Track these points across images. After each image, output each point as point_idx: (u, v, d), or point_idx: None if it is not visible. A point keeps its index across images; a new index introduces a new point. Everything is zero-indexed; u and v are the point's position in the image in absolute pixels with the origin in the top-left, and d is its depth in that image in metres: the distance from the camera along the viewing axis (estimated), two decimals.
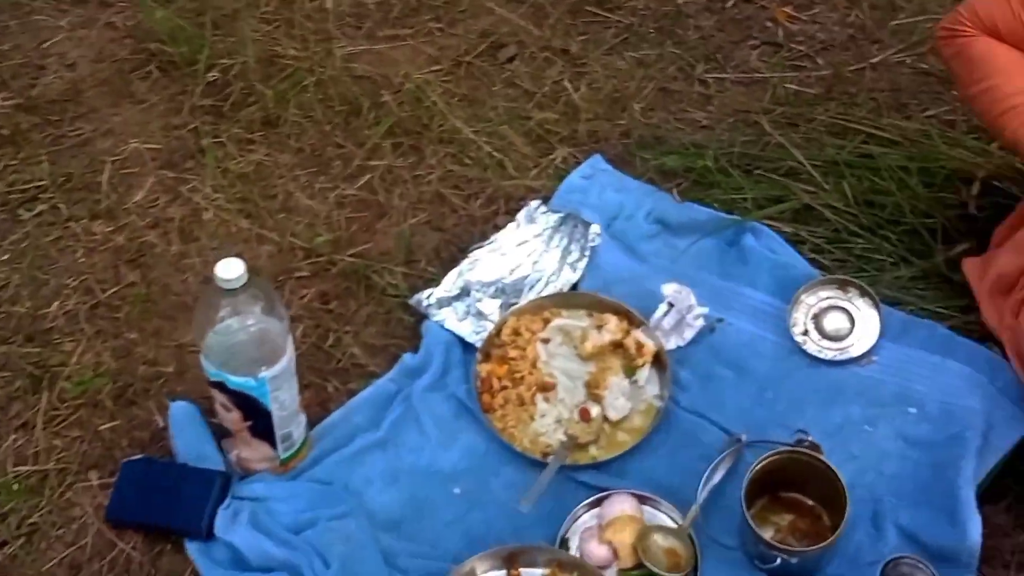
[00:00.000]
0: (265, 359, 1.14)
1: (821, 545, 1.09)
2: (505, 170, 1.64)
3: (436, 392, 1.34)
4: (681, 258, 1.43)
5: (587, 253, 1.46)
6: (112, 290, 1.49)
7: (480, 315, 1.42)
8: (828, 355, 1.30)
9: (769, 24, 1.84)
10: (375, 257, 1.54)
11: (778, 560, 1.10)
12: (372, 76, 1.80)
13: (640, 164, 1.61)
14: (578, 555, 1.19)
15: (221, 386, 1.16)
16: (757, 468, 1.15)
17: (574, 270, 1.45)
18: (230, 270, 1.08)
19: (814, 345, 1.32)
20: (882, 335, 1.29)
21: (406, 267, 1.52)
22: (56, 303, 1.47)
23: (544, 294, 1.43)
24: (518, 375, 1.35)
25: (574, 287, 1.44)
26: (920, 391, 1.25)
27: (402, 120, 1.71)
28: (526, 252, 1.49)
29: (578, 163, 1.62)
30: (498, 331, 1.38)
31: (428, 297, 1.44)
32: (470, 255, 1.48)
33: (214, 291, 1.10)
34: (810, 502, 1.19)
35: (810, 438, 1.17)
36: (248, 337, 1.12)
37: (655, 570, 1.16)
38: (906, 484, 1.19)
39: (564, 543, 1.20)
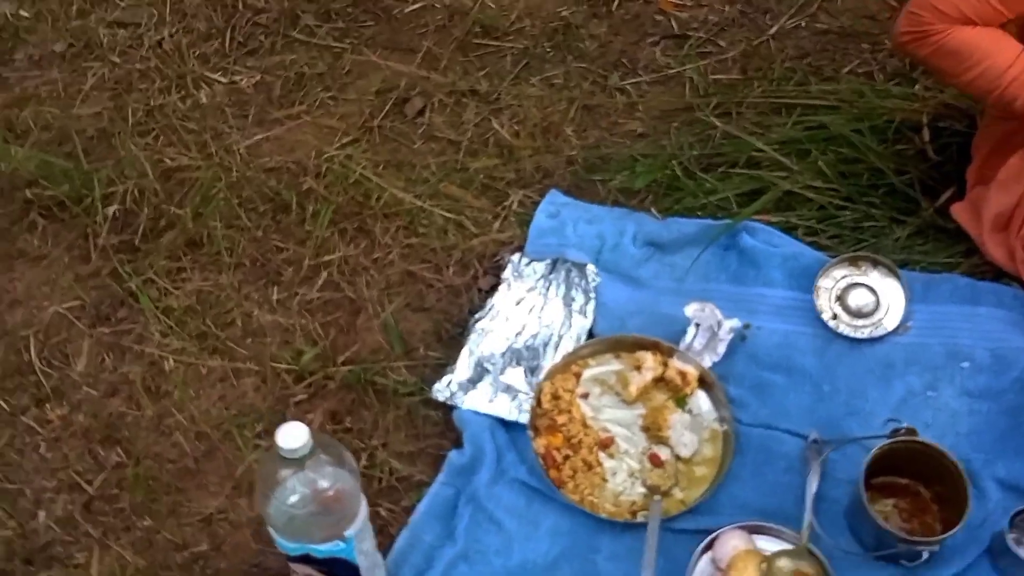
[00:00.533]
0: (347, 516, 1.00)
1: (962, 524, 1.08)
2: (465, 229, 1.54)
3: (499, 483, 1.24)
4: (685, 275, 1.38)
5: (592, 295, 1.39)
6: (100, 478, 1.28)
7: (510, 389, 1.32)
8: (865, 333, 1.30)
9: (659, 17, 1.82)
10: (369, 358, 1.40)
11: (924, 554, 1.09)
12: (283, 165, 1.64)
13: (601, 188, 1.55)
14: None
15: (307, 558, 1.01)
16: (869, 462, 1.12)
17: (584, 315, 1.37)
18: (294, 438, 0.93)
19: (848, 327, 1.31)
20: (909, 300, 1.30)
21: (407, 359, 1.40)
22: (42, 513, 1.25)
23: (563, 348, 1.35)
24: (575, 440, 1.26)
25: (590, 333, 1.37)
26: (966, 344, 1.27)
27: (337, 205, 1.57)
28: (527, 310, 1.40)
29: (536, 203, 1.54)
30: (538, 401, 1.29)
31: (448, 385, 1.33)
32: (473, 329, 1.38)
33: (277, 463, 0.95)
34: (903, 481, 1.18)
35: (905, 424, 1.16)
36: (327, 502, 0.98)
37: None
38: (986, 438, 1.20)
39: None
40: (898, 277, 1.31)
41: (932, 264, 1.36)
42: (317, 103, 1.73)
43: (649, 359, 1.30)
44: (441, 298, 1.47)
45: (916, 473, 1.17)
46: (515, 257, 1.45)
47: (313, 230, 1.54)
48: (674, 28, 1.79)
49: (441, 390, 1.33)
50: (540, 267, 1.43)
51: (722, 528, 1.17)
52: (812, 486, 1.18)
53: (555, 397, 1.30)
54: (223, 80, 1.79)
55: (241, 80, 1.78)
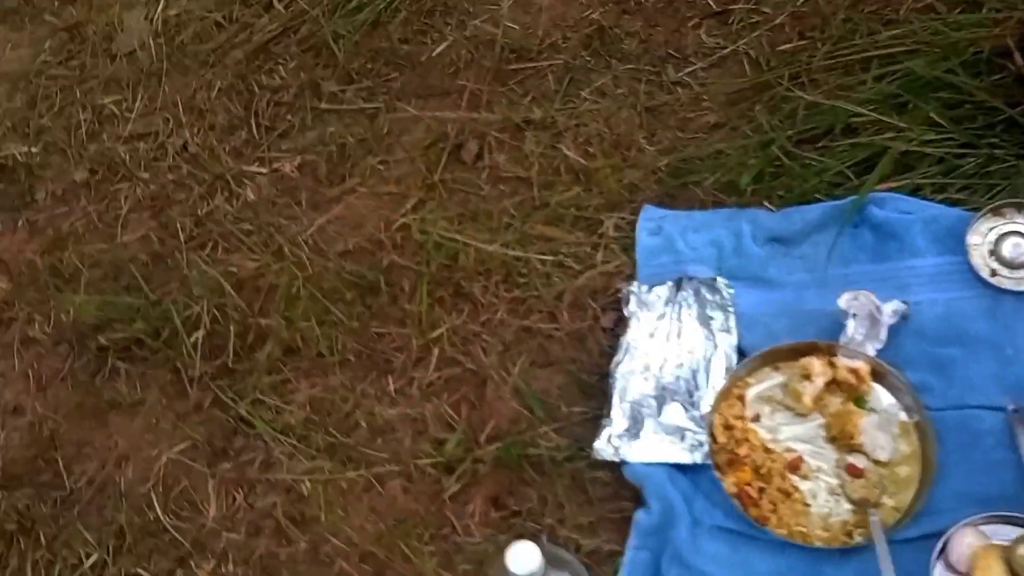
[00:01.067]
0: None
1: None
2: (567, 268, 1.43)
3: (698, 535, 1.14)
4: (822, 265, 1.28)
5: (730, 309, 1.28)
6: None
7: (678, 430, 1.22)
8: None
9: None
10: (513, 429, 1.29)
11: None
12: (357, 244, 1.52)
13: (697, 191, 1.44)
14: None
15: None
16: None
17: (728, 332, 1.27)
18: (527, 561, 0.83)
19: (1011, 280, 1.21)
20: None
21: (552, 422, 1.29)
22: None
23: (715, 373, 1.25)
24: (763, 469, 1.16)
25: (738, 350, 1.26)
26: None
27: (427, 274, 1.46)
28: (663, 340, 1.29)
29: (632, 224, 1.43)
30: (712, 436, 1.19)
31: (609, 440, 1.22)
32: (615, 374, 1.28)
33: None
34: None
35: None
36: None
37: None
38: None
39: None
40: None
41: None
42: (368, 171, 1.62)
43: (816, 364, 1.20)
44: (565, 347, 1.36)
45: None
46: (633, 287, 1.35)
47: (410, 306, 1.43)
48: (712, 6, 1.68)
49: (603, 448, 1.22)
50: (663, 291, 1.33)
51: (950, 529, 1.08)
52: None
53: (727, 427, 1.20)
54: (264, 171, 1.67)
55: (283, 166, 1.66)
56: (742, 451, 1.17)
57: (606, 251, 1.43)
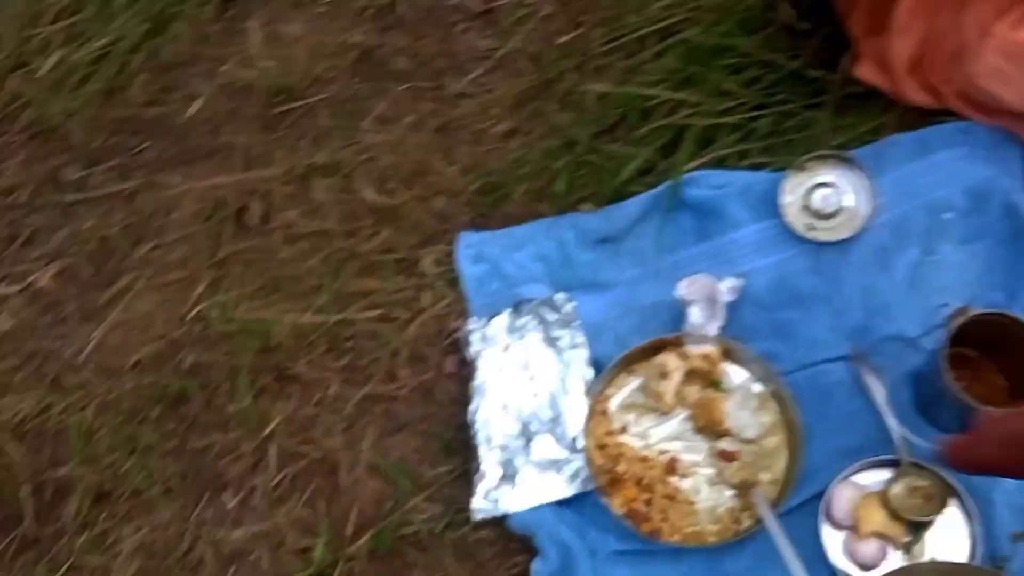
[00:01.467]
0: None
1: None
2: (395, 320, 1.53)
3: (600, 568, 1.28)
4: (653, 258, 1.46)
5: (573, 322, 1.43)
6: None
7: (552, 463, 1.35)
8: (845, 230, 1.42)
9: (453, 1, 1.86)
10: (379, 512, 1.39)
11: None
12: (147, 353, 1.54)
13: (514, 206, 1.58)
14: (858, 567, 1.25)
15: None
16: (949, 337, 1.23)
17: (576, 347, 1.42)
18: None
19: (826, 232, 1.43)
20: (869, 177, 1.43)
21: (421, 491, 1.39)
22: None
23: (574, 393, 1.39)
24: (644, 481, 1.32)
25: (595, 364, 1.42)
26: (940, 195, 1.40)
27: (240, 365, 1.51)
28: (515, 373, 1.43)
29: (451, 256, 1.56)
30: (590, 463, 1.34)
31: (486, 496, 1.34)
32: (475, 422, 1.39)
33: None
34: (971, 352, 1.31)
35: (956, 305, 1.28)
36: None
37: (924, 518, 1.24)
38: (997, 276, 1.35)
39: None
40: (848, 161, 1.44)
41: (866, 134, 1.50)
42: (142, 262, 1.65)
43: (670, 359, 1.37)
44: (414, 406, 1.47)
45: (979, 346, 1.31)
46: (470, 324, 1.47)
47: (231, 406, 1.49)
48: (473, 7, 1.83)
49: (481, 507, 1.34)
50: (503, 320, 1.46)
51: (827, 488, 1.28)
52: (880, 398, 1.30)
53: (601, 447, 1.35)
54: (15, 289, 1.67)
55: (37, 279, 1.67)
56: (621, 468, 1.33)
57: (432, 292, 1.55)
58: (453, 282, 1.54)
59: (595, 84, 1.64)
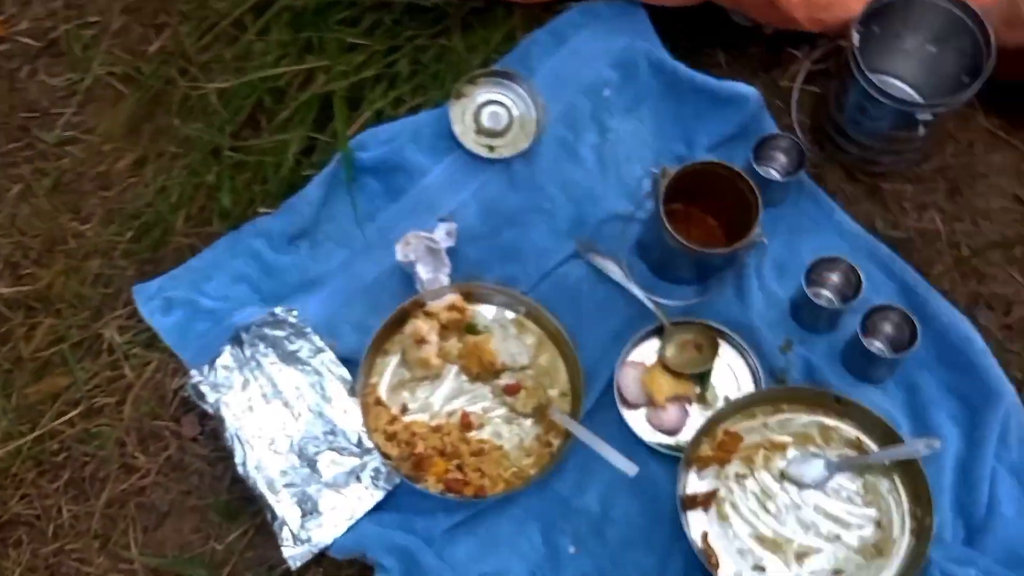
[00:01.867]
0: None
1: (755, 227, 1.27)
2: (104, 408, 1.31)
3: (442, 551, 1.20)
4: (356, 234, 1.35)
5: (307, 330, 1.29)
6: None
7: (349, 476, 1.22)
8: (525, 138, 1.39)
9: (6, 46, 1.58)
10: None
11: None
12: None
13: (181, 240, 1.39)
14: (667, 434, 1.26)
15: None
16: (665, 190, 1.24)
17: (323, 351, 1.29)
18: None
19: (509, 146, 1.39)
20: (525, 79, 1.41)
21: (220, 572, 1.21)
22: None
23: (336, 396, 1.27)
24: (448, 448, 1.24)
25: (344, 360, 1.29)
26: (591, 76, 1.41)
27: None
28: (266, 404, 1.27)
29: (133, 315, 1.35)
30: (386, 456, 1.23)
31: (296, 540, 1.19)
32: (248, 475, 1.22)
33: None
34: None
35: (663, 167, 1.29)
36: None
37: (704, 368, 1.28)
38: (668, 127, 1.40)
39: None
40: (499, 73, 1.41)
41: (501, 44, 1.46)
42: None
43: (420, 324, 1.29)
44: (170, 488, 1.27)
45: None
46: (193, 377, 1.28)
47: None
48: (35, 42, 1.57)
49: (294, 552, 1.19)
50: (227, 359, 1.29)
51: (614, 373, 1.28)
52: (618, 277, 1.32)
53: (390, 438, 1.25)
54: None
55: None
56: (419, 448, 1.24)
57: (131, 363, 1.34)
58: (151, 342, 1.35)
59: (210, 83, 1.48)
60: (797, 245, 1.35)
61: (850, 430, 1.22)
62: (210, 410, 1.28)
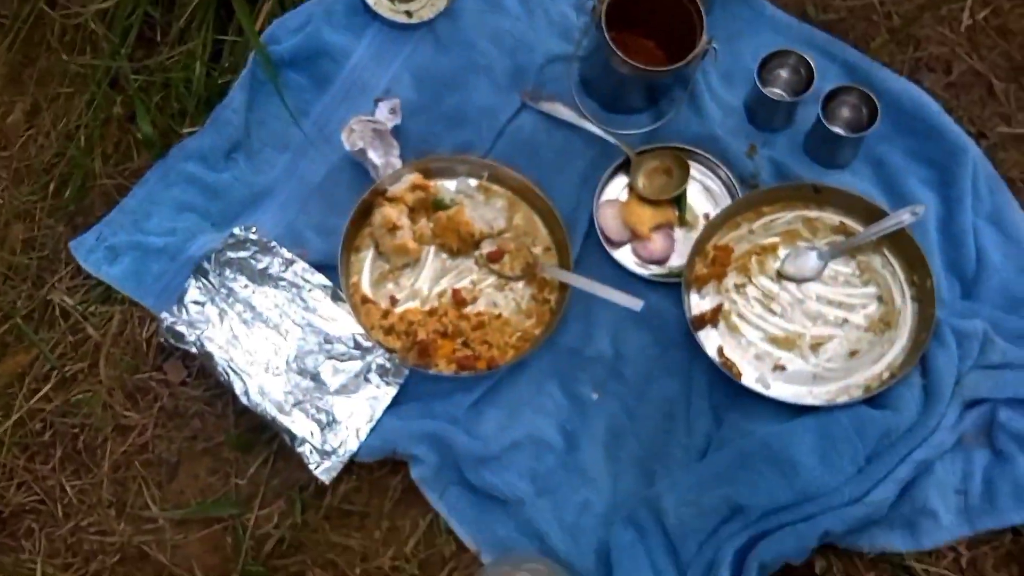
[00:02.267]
0: None
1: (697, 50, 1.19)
2: (76, 376, 1.20)
3: (470, 427, 1.15)
4: (294, 133, 1.25)
5: (272, 244, 1.20)
6: None
7: (356, 379, 1.17)
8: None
9: None
10: (230, 559, 1.13)
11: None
12: None
13: (107, 182, 1.26)
14: (658, 264, 1.23)
15: None
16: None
17: (295, 260, 1.20)
18: None
19: (429, 7, 1.29)
20: None
21: (251, 504, 1.15)
22: None
23: (323, 304, 1.19)
24: (449, 328, 1.19)
25: (319, 266, 1.21)
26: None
27: None
28: (249, 328, 1.18)
29: (79, 272, 1.23)
30: (392, 351, 1.17)
31: (322, 455, 1.13)
32: (255, 402, 1.14)
33: None
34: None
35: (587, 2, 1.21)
36: None
37: (679, 190, 1.24)
38: None
39: None
40: None
41: None
42: None
43: (387, 211, 1.21)
44: (171, 437, 1.19)
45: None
46: (164, 320, 1.18)
47: None
48: None
49: (325, 466, 1.14)
50: (193, 294, 1.20)
51: (592, 216, 1.23)
52: (570, 117, 1.25)
53: (388, 331, 1.19)
54: None
55: None
56: (420, 335, 1.18)
57: (92, 322, 1.23)
58: (107, 296, 1.24)
59: (85, 7, 1.31)
60: (738, 49, 1.31)
61: (833, 216, 1.21)
62: (193, 349, 1.19)
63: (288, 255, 1.22)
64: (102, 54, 1.31)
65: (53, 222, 1.28)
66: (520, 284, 1.24)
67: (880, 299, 1.18)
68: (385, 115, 1.25)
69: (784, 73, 1.28)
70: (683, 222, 1.26)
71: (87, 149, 1.29)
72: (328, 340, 1.20)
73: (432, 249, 1.25)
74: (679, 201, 1.26)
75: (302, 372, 1.19)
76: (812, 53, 1.28)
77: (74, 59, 1.32)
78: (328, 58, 1.28)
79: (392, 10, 1.30)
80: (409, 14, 1.31)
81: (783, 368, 1.16)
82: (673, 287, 1.21)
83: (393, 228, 1.22)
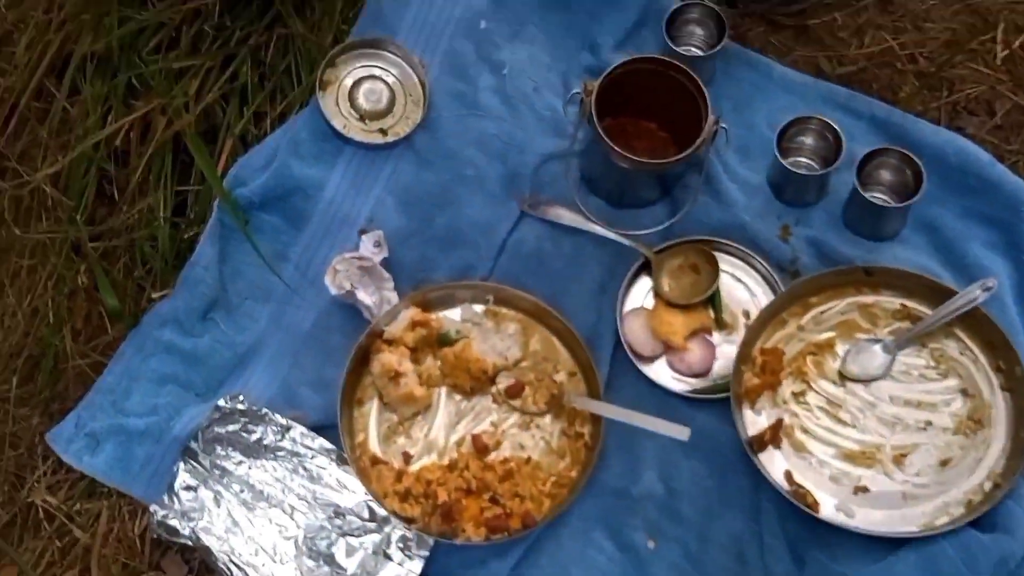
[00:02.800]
0: None
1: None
2: None
3: None
4: (275, 285, 1.08)
5: (260, 413, 1.03)
6: None
7: (372, 558, 0.98)
8: (416, 107, 1.12)
9: None
10: None
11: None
12: None
13: (72, 371, 1.09)
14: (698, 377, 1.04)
15: None
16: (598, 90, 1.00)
17: (288, 430, 1.02)
18: None
19: (403, 122, 1.12)
20: (388, 48, 1.13)
21: None
22: None
23: (327, 471, 1.01)
24: (472, 484, 1.00)
25: (316, 428, 1.03)
26: (462, 15, 1.13)
27: None
28: (251, 513, 1.00)
29: (62, 467, 1.06)
30: (408, 520, 0.99)
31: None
32: None
33: None
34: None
35: (583, 81, 1.03)
36: None
37: (712, 289, 1.05)
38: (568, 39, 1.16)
39: None
40: (358, 45, 1.13)
41: (345, 11, 1.17)
42: None
43: (388, 358, 1.03)
44: None
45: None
46: (154, 515, 1.01)
47: None
48: None
49: None
50: (183, 479, 1.02)
51: (617, 330, 1.05)
52: (575, 222, 1.07)
53: (404, 497, 1.00)
54: None
55: None
56: (442, 495, 1.00)
57: (79, 522, 1.05)
58: (92, 490, 1.07)
59: (36, 172, 1.15)
60: (750, 120, 1.13)
61: (892, 300, 1.02)
62: (190, 543, 1.02)
63: (283, 421, 1.05)
64: (60, 221, 1.15)
65: (27, 412, 1.11)
66: (547, 419, 1.06)
67: (964, 392, 0.98)
68: (370, 248, 1.08)
69: (809, 140, 1.10)
70: (721, 324, 1.07)
71: (55, 327, 1.12)
72: (339, 513, 1.02)
73: (443, 391, 1.07)
74: (712, 301, 1.07)
75: (314, 555, 1.01)
76: (836, 114, 1.10)
77: (31, 230, 1.16)
78: (301, 194, 1.11)
79: (364, 131, 1.14)
80: (384, 132, 1.14)
81: (866, 490, 0.96)
82: (722, 402, 1.02)
83: (396, 376, 1.04)
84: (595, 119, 1.03)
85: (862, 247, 1.07)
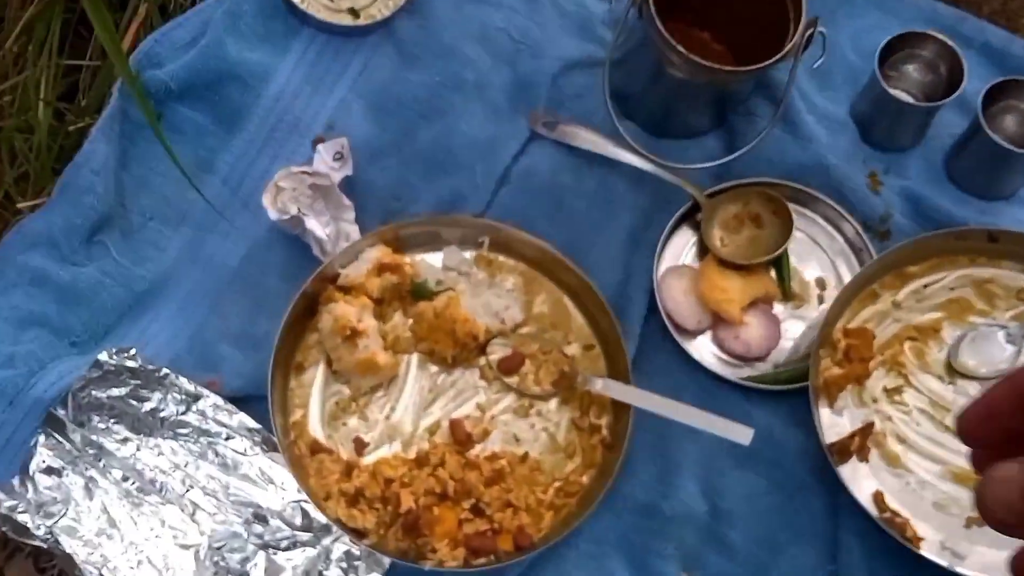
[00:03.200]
0: None
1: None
2: None
3: None
4: (190, 207, 0.77)
5: (158, 376, 0.73)
6: None
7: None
8: None
9: None
10: None
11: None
12: None
13: None
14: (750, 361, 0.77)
15: None
16: None
17: (199, 399, 0.73)
18: None
19: (377, 6, 0.83)
20: None
21: None
22: None
23: (247, 458, 0.72)
24: (450, 488, 0.71)
25: (233, 398, 0.74)
26: None
27: None
28: (126, 513, 0.71)
29: None
30: (354, 533, 0.70)
31: None
32: None
33: None
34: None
35: None
36: None
37: (780, 249, 0.77)
38: None
39: None
40: None
41: None
42: None
43: (340, 310, 0.74)
44: None
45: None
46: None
47: None
48: None
49: None
50: (46, 457, 0.71)
51: (653, 293, 0.78)
52: (607, 147, 0.79)
53: (353, 501, 0.71)
54: None
55: None
56: (407, 501, 0.70)
57: None
58: None
59: None
60: (832, 38, 0.86)
61: (1016, 276, 0.76)
62: (44, 546, 0.72)
63: (190, 387, 0.75)
64: None
65: None
66: (552, 404, 0.77)
67: None
68: (328, 162, 0.79)
69: (912, 69, 0.83)
70: (788, 295, 0.80)
71: None
72: (260, 517, 0.73)
73: (415, 360, 0.78)
74: (779, 264, 0.81)
75: (221, 572, 0.72)
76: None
77: None
78: (238, 84, 0.81)
79: (329, 8, 0.84)
80: (355, 12, 0.84)
81: (981, 522, 0.71)
82: (787, 397, 0.76)
83: (352, 335, 0.75)
84: (655, 14, 0.76)
85: (971, 206, 0.81)
